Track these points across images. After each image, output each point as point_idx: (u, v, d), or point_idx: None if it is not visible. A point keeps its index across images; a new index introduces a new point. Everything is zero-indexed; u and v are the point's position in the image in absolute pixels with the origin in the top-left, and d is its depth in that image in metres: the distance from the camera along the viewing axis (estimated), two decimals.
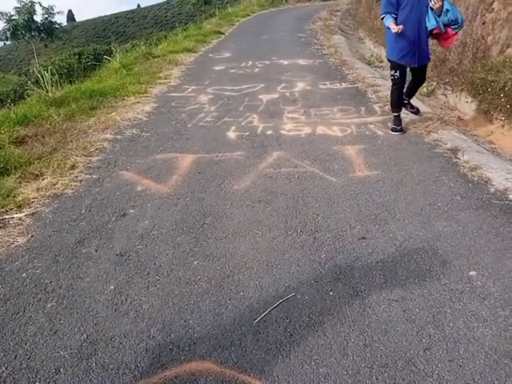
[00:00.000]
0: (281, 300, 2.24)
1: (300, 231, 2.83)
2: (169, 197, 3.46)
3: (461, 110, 5.67)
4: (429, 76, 6.56)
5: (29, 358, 2.01)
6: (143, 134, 5.00)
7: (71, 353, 2.02)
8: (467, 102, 5.42)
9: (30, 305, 2.35)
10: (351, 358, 1.88)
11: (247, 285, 2.37)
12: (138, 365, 1.93)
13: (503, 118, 4.63)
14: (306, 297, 2.25)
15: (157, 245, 2.82)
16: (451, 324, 2.04)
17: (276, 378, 1.80)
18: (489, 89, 4.66)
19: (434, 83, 6.47)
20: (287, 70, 8.12)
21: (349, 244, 2.66)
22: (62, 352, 2.02)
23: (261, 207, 3.18)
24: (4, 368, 1.96)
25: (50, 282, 2.52)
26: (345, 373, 1.81)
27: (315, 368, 1.84)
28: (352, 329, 2.03)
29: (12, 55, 66.92)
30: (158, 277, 2.51)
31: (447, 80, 6.14)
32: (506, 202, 3.01)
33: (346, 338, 1.98)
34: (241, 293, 2.32)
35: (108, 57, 8.19)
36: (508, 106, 4.41)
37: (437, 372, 1.80)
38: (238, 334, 2.05)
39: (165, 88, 7.16)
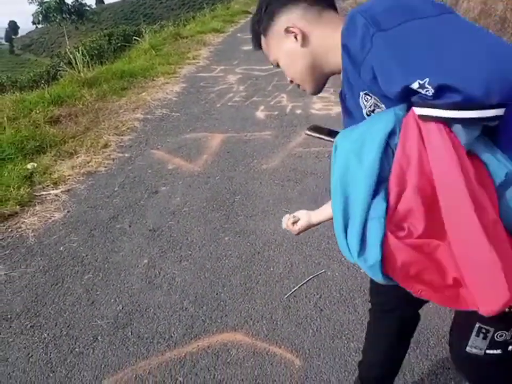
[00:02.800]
0: (311, 276, 2.26)
1: None
2: (199, 175, 3.50)
3: None
4: None
5: (68, 326, 2.10)
6: (173, 114, 5.04)
7: (108, 322, 2.10)
8: None
9: (68, 276, 2.45)
10: None
11: (277, 261, 2.40)
12: (172, 335, 1.99)
13: None
14: (337, 274, 2.26)
15: (189, 221, 2.87)
16: None
17: (306, 351, 1.83)
18: None
19: None
20: None
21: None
22: (99, 322, 2.11)
23: (290, 186, 3.18)
24: (46, 334, 2.06)
25: (86, 256, 2.61)
26: None
27: (346, 342, 1.85)
28: None
29: (43, 38, 68.18)
30: (190, 252, 2.56)
31: None
32: None
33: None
34: (271, 269, 2.34)
35: (137, 38, 8.24)
36: None
37: None
38: (268, 308, 2.08)
39: (194, 69, 7.17)
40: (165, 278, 2.37)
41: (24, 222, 3.03)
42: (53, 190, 3.45)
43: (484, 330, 0.99)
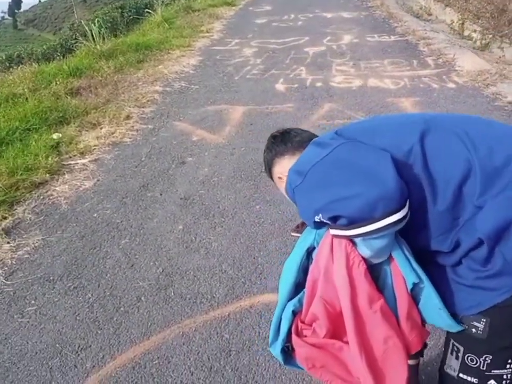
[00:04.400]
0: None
1: None
2: (224, 147, 3.53)
3: None
4: (484, 28, 6.25)
5: (111, 287, 2.17)
6: (192, 86, 5.03)
7: (150, 284, 2.17)
8: None
9: (105, 241, 2.51)
10: None
11: None
12: (214, 295, 2.06)
13: None
14: None
15: (219, 190, 2.92)
16: None
17: None
18: None
19: (490, 36, 6.14)
20: (331, 23, 7.88)
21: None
22: (140, 283, 2.18)
23: None
24: (90, 295, 2.13)
25: (121, 222, 2.67)
26: None
27: None
28: None
29: (46, 13, 67.20)
30: (223, 219, 2.61)
31: (505, 32, 5.81)
32: None
33: None
34: None
35: (150, 11, 8.14)
36: None
37: None
38: None
39: (208, 42, 7.10)
40: (201, 243, 2.42)
41: (55, 190, 3.08)
42: (80, 159, 3.50)
43: (455, 348, 1.06)
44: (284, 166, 1.19)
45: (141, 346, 1.84)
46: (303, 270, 1.11)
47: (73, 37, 7.34)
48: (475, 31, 6.30)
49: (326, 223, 1.00)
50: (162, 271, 2.25)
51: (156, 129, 3.95)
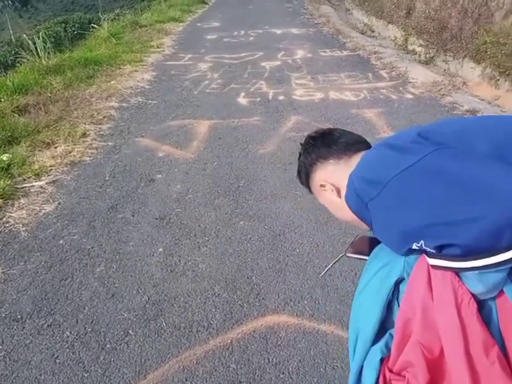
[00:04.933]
0: (341, 255, 2.21)
1: None
2: (195, 162, 3.38)
3: (463, 76, 5.70)
4: (428, 43, 6.58)
5: (92, 322, 1.94)
6: (150, 101, 4.83)
7: (136, 315, 1.96)
8: (472, 68, 5.45)
9: (77, 270, 2.27)
10: None
11: (301, 242, 2.35)
12: (211, 322, 1.89)
13: (511, 82, 4.67)
14: None
15: (196, 208, 2.75)
16: None
17: None
18: (498, 54, 4.69)
19: (434, 50, 6.47)
20: (282, 38, 7.98)
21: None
22: (125, 315, 1.96)
23: (294, 169, 3.09)
24: (68, 333, 1.89)
25: (92, 248, 2.43)
26: None
27: None
28: None
29: None
30: (206, 238, 2.45)
31: (448, 46, 6.14)
32: None
33: None
34: (297, 250, 2.29)
35: (95, 26, 7.83)
36: None
37: None
38: (306, 288, 2.03)
39: (161, 57, 6.93)
40: (187, 265, 2.25)
41: (11, 216, 2.78)
42: (36, 181, 3.19)
43: None
44: (327, 172, 1.02)
45: None
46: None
47: (13, 52, 6.87)
48: (421, 45, 6.60)
49: (423, 251, 0.80)
50: (148, 299, 2.05)
51: (117, 147, 3.71)
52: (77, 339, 1.85)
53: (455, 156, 0.80)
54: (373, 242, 1.02)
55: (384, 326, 0.89)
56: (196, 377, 1.65)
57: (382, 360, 0.87)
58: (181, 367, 1.70)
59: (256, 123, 4.05)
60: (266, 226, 2.50)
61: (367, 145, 1.07)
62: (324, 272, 2.11)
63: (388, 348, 0.88)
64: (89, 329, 1.90)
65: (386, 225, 0.84)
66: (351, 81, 5.17)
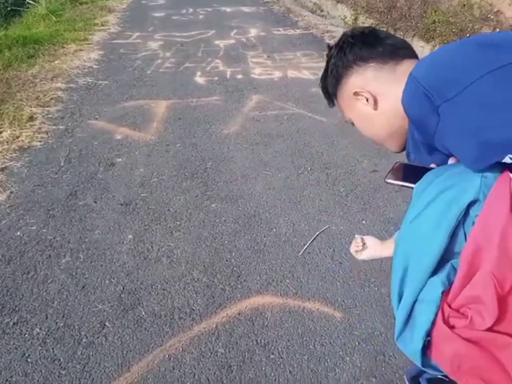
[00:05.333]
0: (318, 232, 2.23)
1: (310, 169, 2.80)
2: (156, 144, 3.24)
3: None
4: (378, 23, 6.68)
5: (63, 316, 1.81)
6: (100, 82, 4.56)
7: (111, 305, 1.86)
8: (421, 46, 5.59)
9: (40, 263, 2.11)
10: None
11: (277, 222, 2.32)
12: (193, 308, 1.83)
13: None
14: (341, 228, 2.26)
15: (164, 192, 2.64)
16: None
17: (342, 303, 1.81)
18: (448, 32, 4.84)
19: (384, 29, 6.57)
20: (232, 16, 7.80)
21: (363, 177, 2.69)
22: (100, 306, 1.85)
23: (261, 149, 3.09)
24: (38, 329, 1.76)
25: (54, 238, 2.27)
26: None
27: (376, 289, 1.87)
28: None
29: None
30: (178, 222, 2.36)
31: (398, 25, 6.26)
32: None
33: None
34: (274, 230, 2.26)
35: (31, 2, 7.26)
36: None
37: None
38: (286, 267, 2.01)
39: (107, 35, 6.55)
40: (160, 251, 2.16)
41: None
42: None
43: None
44: (366, 77, 0.87)
45: (122, 380, 1.55)
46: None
47: None
48: (372, 24, 6.68)
49: (507, 168, 0.69)
50: (123, 288, 1.94)
51: (69, 130, 3.48)
52: (48, 335, 1.73)
53: None
54: (416, 171, 0.88)
55: (443, 257, 0.78)
56: (183, 364, 1.59)
57: (442, 294, 0.77)
58: (167, 356, 1.63)
59: (216, 102, 3.94)
60: (240, 208, 2.45)
61: (415, 54, 0.94)
62: (302, 250, 2.10)
63: (449, 280, 0.77)
64: (61, 324, 1.78)
65: (465, 133, 0.70)
66: (308, 60, 5.15)
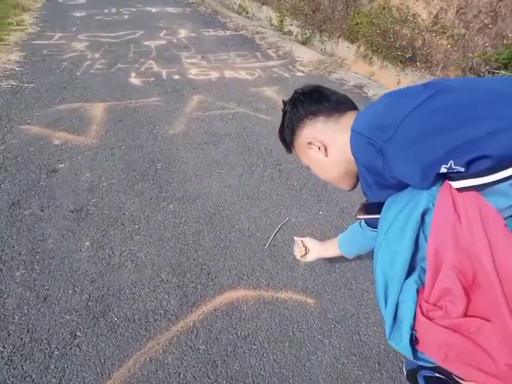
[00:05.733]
0: (280, 225, 2.30)
1: (263, 166, 2.87)
2: (99, 148, 3.12)
3: (339, 55, 6.17)
4: (304, 24, 6.95)
5: (28, 331, 1.71)
6: (26, 85, 4.28)
7: (80, 315, 1.78)
8: (347, 47, 5.92)
9: None
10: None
11: (238, 218, 2.36)
12: (167, 309, 1.81)
13: (382, 59, 5.21)
14: (301, 220, 2.35)
15: (116, 196, 2.57)
16: None
17: (312, 290, 1.89)
18: (372, 33, 5.17)
19: (310, 31, 6.85)
20: (159, 17, 7.68)
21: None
22: (67, 317, 1.77)
23: (211, 149, 3.10)
24: (1, 348, 1.64)
25: (2, 251, 2.13)
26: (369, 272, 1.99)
27: (341, 274, 1.98)
28: None
29: None
30: (136, 226, 2.31)
31: (323, 27, 6.56)
32: None
33: None
34: (237, 226, 2.30)
35: None
36: (388, 48, 4.96)
37: None
38: (255, 260, 2.06)
39: (25, 36, 6.14)
40: (123, 256, 2.10)
41: None
42: None
43: None
44: (316, 129, 1.02)
45: None
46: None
47: None
48: (298, 26, 6.94)
49: (447, 175, 0.83)
50: (90, 296, 1.87)
51: (0, 137, 3.24)
52: (14, 352, 1.62)
53: (456, 90, 0.85)
54: (377, 205, 1.03)
55: (413, 263, 0.91)
56: (166, 365, 1.58)
57: (417, 291, 0.89)
58: (147, 359, 1.60)
59: (156, 103, 3.88)
60: (199, 207, 2.45)
61: (355, 106, 1.11)
62: (268, 243, 2.16)
63: (421, 280, 0.90)
64: (27, 339, 1.68)
65: (406, 161, 0.84)
66: (242, 60, 5.23)
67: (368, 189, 1.03)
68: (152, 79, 4.49)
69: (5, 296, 1.86)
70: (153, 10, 8.31)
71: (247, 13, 9.36)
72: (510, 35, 4.22)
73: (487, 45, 4.37)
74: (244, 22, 7.38)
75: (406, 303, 0.90)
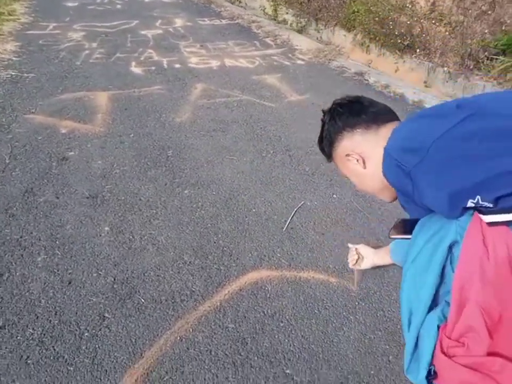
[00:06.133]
0: (296, 209, 2.34)
1: (273, 152, 2.90)
2: (107, 136, 3.12)
3: (336, 43, 6.19)
4: (300, 13, 6.95)
5: (56, 314, 1.73)
6: (26, 75, 4.24)
7: (106, 297, 1.81)
8: (344, 35, 5.94)
9: (13, 264, 1.98)
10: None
11: (254, 203, 2.39)
12: (193, 289, 1.84)
13: (380, 47, 5.24)
14: (316, 203, 2.39)
15: (130, 182, 2.58)
16: None
17: (334, 270, 1.94)
18: (370, 21, 5.20)
19: (305, 19, 6.85)
20: (152, 7, 7.61)
21: (322, 156, 2.84)
22: (94, 299, 1.80)
23: (220, 135, 3.12)
24: (31, 330, 1.66)
25: (21, 237, 2.13)
26: None
27: None
28: (367, 218, 2.26)
29: None
30: (154, 211, 2.33)
31: (319, 16, 6.57)
32: None
33: (365, 223, 2.21)
34: (254, 210, 2.33)
35: None
36: (386, 35, 5.00)
37: None
38: (274, 242, 2.10)
39: (18, 25, 6.05)
40: (144, 240, 2.12)
41: None
42: None
43: None
44: (354, 141, 0.99)
45: (136, 368, 1.53)
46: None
47: None
48: (294, 15, 6.93)
49: (476, 209, 0.81)
50: (114, 279, 1.90)
51: (5, 126, 3.22)
52: (44, 334, 1.64)
53: (491, 115, 0.82)
54: (411, 223, 1.00)
55: (437, 294, 0.90)
56: (196, 344, 1.61)
57: (439, 327, 0.88)
58: (178, 338, 1.64)
59: (160, 92, 3.88)
60: (214, 193, 2.48)
61: (395, 116, 1.05)
62: (286, 226, 2.20)
63: (444, 315, 0.88)
64: (56, 322, 1.70)
65: (436, 188, 0.82)
66: (241, 49, 5.23)
67: (405, 203, 1.01)
68: (153, 68, 4.48)
69: (29, 281, 1.88)
70: (146, 0, 8.22)
71: (240, 2, 9.31)
72: (508, 21, 4.28)
73: (485, 31, 4.43)
74: (239, 11, 7.35)
75: (427, 339, 0.90)
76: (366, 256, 1.41)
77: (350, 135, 1.00)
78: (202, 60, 4.75)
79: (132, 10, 7.28)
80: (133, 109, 3.53)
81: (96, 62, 4.64)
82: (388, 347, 1.59)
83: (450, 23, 4.85)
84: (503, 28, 4.28)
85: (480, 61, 4.29)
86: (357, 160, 1.00)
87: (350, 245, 1.44)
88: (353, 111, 1.01)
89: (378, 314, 1.72)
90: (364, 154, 1.00)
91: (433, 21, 4.98)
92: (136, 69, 4.43)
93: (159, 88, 3.96)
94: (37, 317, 1.71)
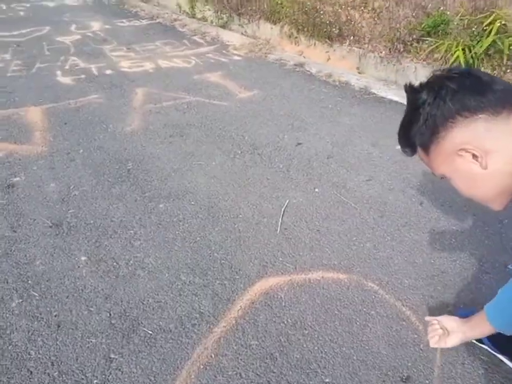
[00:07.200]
0: (283, 208, 2.27)
1: (241, 152, 2.80)
2: (53, 155, 2.82)
3: (262, 37, 6.17)
4: (219, 9, 6.83)
5: (53, 364, 1.51)
6: None
7: (107, 335, 1.61)
8: (271, 28, 5.94)
9: None
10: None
11: (238, 207, 2.28)
12: (202, 311, 1.70)
13: (308, 38, 5.31)
14: (301, 200, 2.34)
15: (94, 203, 2.34)
16: None
17: (340, 265, 1.90)
18: (298, 12, 5.23)
19: (226, 15, 6.75)
20: (61, 11, 7.09)
21: (292, 151, 2.81)
22: (94, 340, 1.59)
23: (180, 141, 2.95)
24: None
25: None
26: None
27: (362, 246, 2.01)
28: (355, 209, 2.26)
29: None
30: (132, 231, 2.13)
31: (241, 10, 6.51)
32: (373, 96, 3.66)
33: (355, 214, 2.19)
34: (240, 215, 2.23)
35: None
36: (314, 25, 5.06)
37: None
38: (272, 246, 2.01)
39: None
40: (130, 264, 1.93)
41: None
42: None
43: None
44: (474, 131, 0.74)
45: None
46: None
47: None
48: (214, 11, 6.78)
49: None
50: (110, 314, 1.70)
51: None
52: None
53: None
54: None
55: None
56: (223, 369, 1.49)
57: None
58: (201, 367, 1.50)
59: (99, 101, 3.59)
60: (192, 203, 2.32)
61: None
62: (278, 227, 2.12)
63: None
64: (56, 374, 1.50)
65: None
66: (172, 49, 5.03)
67: None
68: (83, 76, 4.14)
69: (8, 332, 1.62)
70: (51, 4, 7.64)
71: (147, 2, 8.97)
72: (429, 5, 4.54)
73: (409, 15, 4.65)
74: (155, 10, 7.07)
75: None
76: (453, 330, 1.10)
77: (468, 122, 0.75)
78: (134, 63, 4.49)
79: (38, 16, 6.71)
80: (74, 122, 3.23)
81: (15, 75, 4.19)
82: (416, 336, 1.58)
83: (375, 9, 5.04)
84: (426, 11, 4.52)
85: (408, 43, 4.51)
86: (475, 157, 0.76)
87: (427, 318, 1.17)
88: (473, 89, 0.75)
89: (396, 305, 1.71)
90: (487, 150, 0.75)
91: (357, 8, 5.14)
92: (64, 79, 4.07)
93: (97, 97, 3.66)
94: (31, 373, 1.48)
